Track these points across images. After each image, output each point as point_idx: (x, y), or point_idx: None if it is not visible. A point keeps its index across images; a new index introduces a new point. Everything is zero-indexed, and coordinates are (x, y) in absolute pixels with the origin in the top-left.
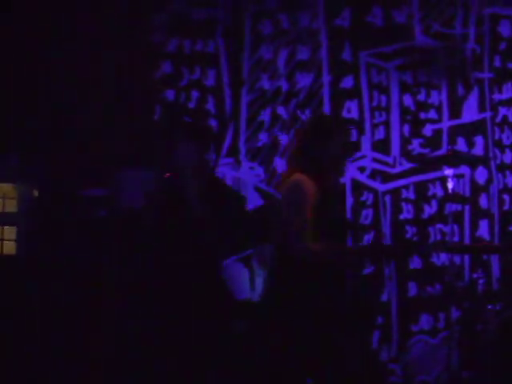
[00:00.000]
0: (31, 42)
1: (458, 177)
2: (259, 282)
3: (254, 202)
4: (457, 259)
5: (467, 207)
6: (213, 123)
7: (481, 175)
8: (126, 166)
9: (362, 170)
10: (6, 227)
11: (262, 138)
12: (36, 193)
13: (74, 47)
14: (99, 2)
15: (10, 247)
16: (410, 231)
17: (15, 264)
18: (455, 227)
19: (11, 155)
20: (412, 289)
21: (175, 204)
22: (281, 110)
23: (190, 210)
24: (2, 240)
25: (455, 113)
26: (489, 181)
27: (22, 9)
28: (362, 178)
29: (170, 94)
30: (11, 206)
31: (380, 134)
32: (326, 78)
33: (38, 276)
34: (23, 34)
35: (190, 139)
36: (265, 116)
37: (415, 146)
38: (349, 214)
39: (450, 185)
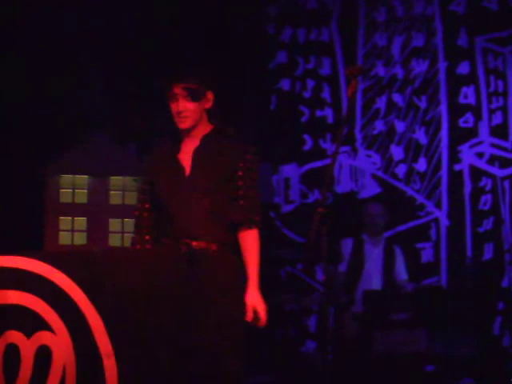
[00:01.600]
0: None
1: None
2: None
3: (371, 189)
4: None
5: None
6: (328, 112)
7: None
8: None
9: (480, 155)
10: (125, 220)
11: (378, 125)
12: None
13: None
14: None
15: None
16: None
17: None
18: None
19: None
20: None
21: None
22: (396, 97)
23: None
24: (123, 233)
25: None
26: None
27: None
28: (481, 163)
29: (285, 84)
30: (131, 199)
31: (497, 119)
32: (441, 64)
33: None
34: None
35: None
36: (380, 103)
37: None
38: (468, 200)
39: None
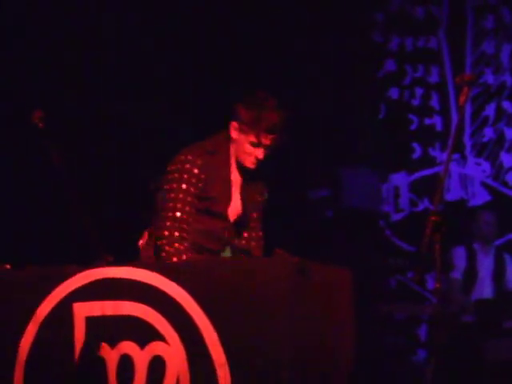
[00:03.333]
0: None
1: None
2: None
3: (481, 197)
4: None
5: None
6: (437, 120)
7: None
8: (349, 166)
9: None
10: None
11: (487, 132)
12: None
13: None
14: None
15: None
16: None
17: None
18: None
19: None
20: None
21: None
22: (506, 105)
23: None
24: None
25: None
26: None
27: None
28: None
29: (394, 92)
30: None
31: None
32: None
33: None
34: None
35: None
36: (489, 111)
37: None
38: None
39: None
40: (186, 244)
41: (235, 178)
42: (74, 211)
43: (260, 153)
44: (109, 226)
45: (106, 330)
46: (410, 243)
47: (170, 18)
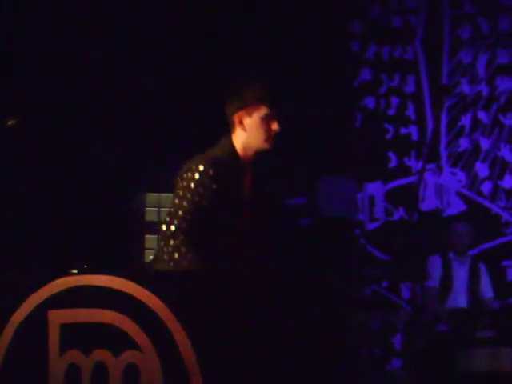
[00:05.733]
0: None
1: None
2: None
3: (456, 207)
4: None
5: None
6: (412, 129)
7: None
8: (326, 175)
9: None
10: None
11: (463, 142)
12: None
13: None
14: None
15: None
16: None
17: None
18: None
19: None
20: None
21: None
22: (481, 115)
23: None
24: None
25: None
26: None
27: None
28: None
29: (370, 102)
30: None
31: None
32: None
33: None
34: None
35: None
36: (465, 121)
37: None
38: None
39: None
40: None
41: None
42: (52, 218)
43: (275, 124)
44: (84, 234)
45: (81, 337)
46: (386, 252)
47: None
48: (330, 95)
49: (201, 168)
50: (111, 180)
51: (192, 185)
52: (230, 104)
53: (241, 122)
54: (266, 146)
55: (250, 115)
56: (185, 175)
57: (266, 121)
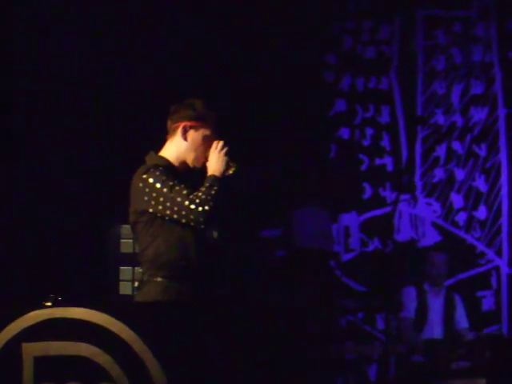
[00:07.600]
0: None
1: None
2: None
3: (431, 238)
4: None
5: None
6: (387, 160)
7: None
8: (301, 206)
9: None
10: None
11: (438, 173)
12: (215, 234)
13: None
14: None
15: None
16: None
17: None
18: None
19: None
20: None
21: None
22: (456, 145)
23: None
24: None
25: None
26: None
27: None
28: None
29: (344, 132)
30: None
31: None
32: (501, 111)
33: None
34: None
35: None
36: (440, 151)
37: None
38: None
39: None
40: None
41: None
42: (26, 250)
43: (211, 150)
44: (57, 264)
45: (55, 370)
46: (361, 283)
47: None
48: (305, 126)
49: (150, 169)
50: (85, 212)
51: (151, 180)
52: (180, 111)
53: (185, 132)
54: (198, 164)
55: (196, 129)
56: (141, 184)
57: (208, 142)
